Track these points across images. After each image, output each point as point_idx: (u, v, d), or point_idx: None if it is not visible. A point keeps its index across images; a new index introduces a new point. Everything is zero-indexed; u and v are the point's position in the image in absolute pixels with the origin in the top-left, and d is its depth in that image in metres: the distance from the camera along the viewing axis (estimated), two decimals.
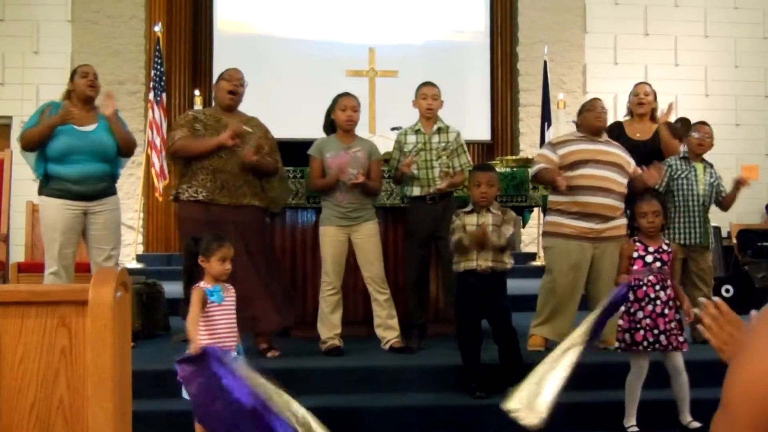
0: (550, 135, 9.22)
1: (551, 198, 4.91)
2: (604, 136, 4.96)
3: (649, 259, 3.86)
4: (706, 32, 10.68)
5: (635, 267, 3.86)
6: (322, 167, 4.77)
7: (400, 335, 4.81)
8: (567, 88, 10.21)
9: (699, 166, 5.12)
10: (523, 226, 5.93)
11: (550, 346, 4.87)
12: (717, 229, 8.12)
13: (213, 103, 5.03)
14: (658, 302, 3.79)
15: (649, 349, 3.79)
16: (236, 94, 4.69)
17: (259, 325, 4.51)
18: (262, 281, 4.52)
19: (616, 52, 10.56)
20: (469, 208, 4.33)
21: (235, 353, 3.36)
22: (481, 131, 10.57)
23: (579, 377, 4.37)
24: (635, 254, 3.88)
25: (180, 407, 3.44)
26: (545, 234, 4.96)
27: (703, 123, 5.28)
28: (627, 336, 3.80)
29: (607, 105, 8.76)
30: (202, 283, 3.37)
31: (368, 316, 4.95)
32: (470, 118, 10.10)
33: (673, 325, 3.79)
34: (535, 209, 6.42)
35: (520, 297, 5.18)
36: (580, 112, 5.02)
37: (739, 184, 5.07)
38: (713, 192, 5.12)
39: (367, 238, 4.76)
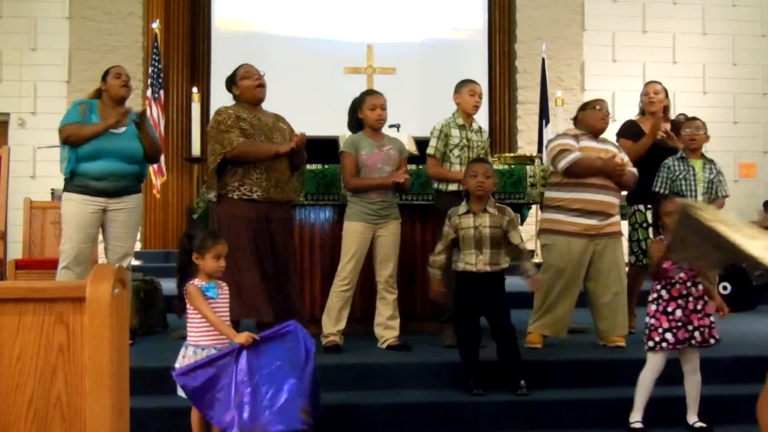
0: (548, 132, 9.22)
1: (550, 195, 4.90)
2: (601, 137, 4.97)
3: None
4: (704, 30, 10.69)
5: (664, 266, 3.84)
6: (356, 164, 4.75)
7: (399, 334, 4.81)
8: (565, 85, 10.21)
9: (697, 163, 5.10)
10: (521, 224, 5.95)
11: (548, 342, 4.89)
12: None
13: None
14: (690, 299, 3.79)
15: (685, 345, 3.79)
16: (263, 85, 4.70)
17: (297, 316, 4.53)
18: (294, 276, 4.67)
19: (615, 49, 10.56)
20: (464, 209, 4.30)
21: (228, 347, 3.36)
22: None
23: (577, 374, 4.40)
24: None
25: (177, 404, 3.44)
26: (543, 231, 4.94)
27: (693, 118, 5.28)
28: (669, 335, 3.77)
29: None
30: (195, 281, 3.37)
31: (368, 314, 4.95)
32: None
33: (709, 319, 3.80)
34: (533, 206, 6.42)
35: (518, 294, 5.17)
36: (583, 109, 5.00)
37: None
38: (713, 189, 5.11)
39: (391, 236, 4.77)
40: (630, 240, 5.33)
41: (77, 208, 4.68)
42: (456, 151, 4.91)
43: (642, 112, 5.58)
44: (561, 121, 8.78)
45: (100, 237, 4.88)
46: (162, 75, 9.05)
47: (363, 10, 10.55)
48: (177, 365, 3.31)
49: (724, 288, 7.03)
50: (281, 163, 4.58)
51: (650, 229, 5.18)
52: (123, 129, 4.76)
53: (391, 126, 6.39)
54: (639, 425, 3.84)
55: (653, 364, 3.85)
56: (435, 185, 5.00)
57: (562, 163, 4.74)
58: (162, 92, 8.98)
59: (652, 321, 3.83)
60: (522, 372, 4.15)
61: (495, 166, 5.18)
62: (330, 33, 10.43)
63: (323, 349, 4.64)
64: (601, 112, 4.90)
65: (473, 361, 4.18)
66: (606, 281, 4.80)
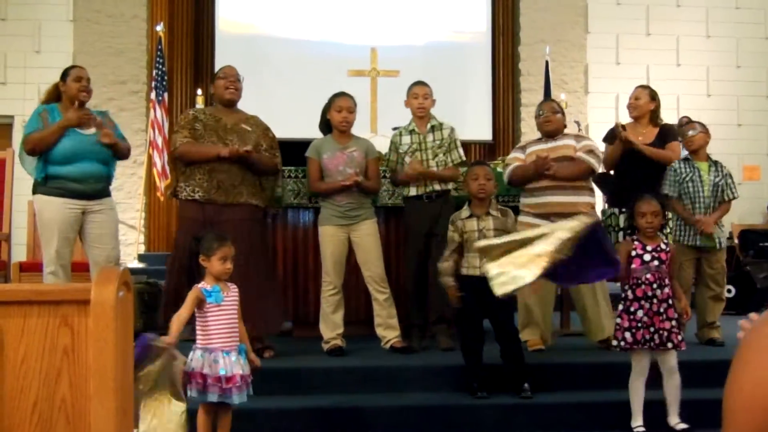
0: None
1: (521, 201, 4.92)
2: (566, 134, 4.96)
3: (647, 257, 3.87)
4: (708, 32, 10.67)
5: (633, 266, 3.87)
6: (320, 168, 4.77)
7: (401, 335, 4.81)
8: (569, 88, 10.20)
9: (703, 165, 5.10)
10: None
11: (552, 346, 4.88)
12: None
13: (211, 103, 5.03)
14: (655, 300, 3.80)
15: (645, 347, 3.79)
16: (236, 88, 4.68)
17: (255, 328, 4.49)
18: (257, 282, 4.46)
19: (618, 52, 10.54)
20: (467, 213, 4.31)
21: (236, 353, 3.36)
22: (483, 131, 10.55)
23: (581, 377, 4.39)
24: (633, 253, 3.89)
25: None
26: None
27: (690, 121, 5.28)
28: (627, 335, 3.80)
29: (609, 104, 8.77)
30: (201, 284, 3.37)
31: (369, 316, 4.95)
32: (472, 118, 10.09)
33: (671, 323, 3.79)
34: None
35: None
36: (536, 117, 5.04)
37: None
38: (719, 191, 5.10)
39: (367, 236, 4.76)
40: None
41: (57, 211, 4.61)
42: (407, 158, 4.94)
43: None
44: (566, 124, 8.76)
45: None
46: (166, 77, 9.06)
47: (366, 13, 10.55)
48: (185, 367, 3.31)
49: (729, 291, 7.00)
50: (228, 166, 4.50)
51: (620, 234, 5.12)
52: (93, 130, 4.71)
53: (395, 128, 6.39)
54: (641, 429, 3.83)
55: (636, 367, 3.87)
56: (401, 191, 5.08)
57: (505, 178, 4.91)
58: (166, 95, 8.98)
59: (618, 320, 3.87)
60: (526, 375, 4.15)
61: (498, 169, 5.19)
62: (333, 35, 10.43)
63: (326, 353, 4.64)
64: (542, 117, 4.92)
65: (477, 363, 4.18)
66: (582, 285, 4.78)
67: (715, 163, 5.16)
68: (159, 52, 9.02)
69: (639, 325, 3.78)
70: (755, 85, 10.66)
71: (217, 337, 3.32)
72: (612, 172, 5.34)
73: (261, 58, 9.94)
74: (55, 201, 4.62)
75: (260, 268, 4.57)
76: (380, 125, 8.01)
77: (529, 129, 10.36)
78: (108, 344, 2.05)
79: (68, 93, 4.75)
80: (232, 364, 3.29)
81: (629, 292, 3.86)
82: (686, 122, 5.48)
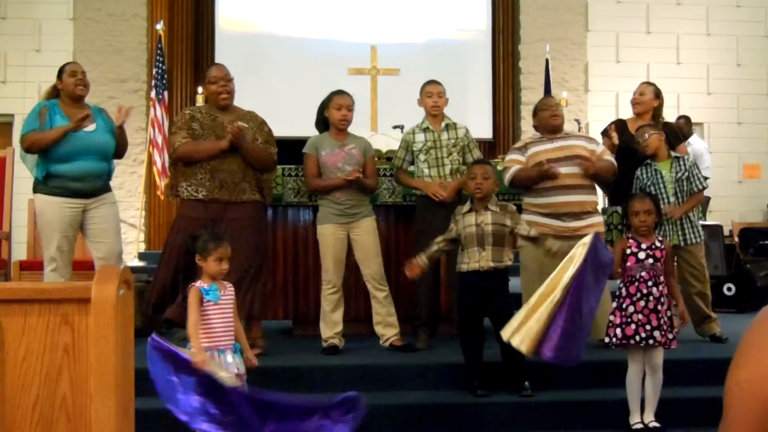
0: None
1: (526, 200, 4.87)
2: (565, 132, 4.93)
3: (641, 255, 3.87)
4: (708, 30, 10.66)
5: (628, 264, 3.89)
6: (317, 165, 4.77)
7: (400, 333, 4.81)
8: (569, 86, 10.19)
9: (665, 165, 5.02)
10: None
11: None
12: (719, 228, 8.11)
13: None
14: (651, 298, 3.80)
15: (641, 345, 3.80)
16: (228, 92, 4.68)
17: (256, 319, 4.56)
18: (255, 277, 4.51)
19: (618, 50, 10.53)
20: (467, 208, 4.33)
21: (232, 352, 3.36)
22: (483, 129, 10.54)
23: (581, 375, 4.39)
24: (628, 251, 3.90)
25: None
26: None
27: (643, 125, 5.21)
28: (618, 331, 3.81)
29: (609, 103, 8.78)
30: (198, 282, 3.37)
31: (369, 314, 4.95)
32: (472, 116, 10.06)
33: (664, 321, 3.79)
34: None
35: (520, 294, 5.15)
36: (535, 113, 5.00)
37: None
38: (684, 187, 5.03)
39: (366, 234, 4.76)
40: (605, 240, 5.30)
41: (56, 211, 4.63)
42: (422, 156, 4.94)
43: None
44: (565, 122, 8.76)
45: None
46: (166, 76, 9.05)
47: (367, 11, 10.54)
48: None
49: (729, 289, 7.01)
50: (230, 164, 4.52)
51: (623, 233, 5.15)
52: (93, 126, 4.73)
53: (395, 127, 6.39)
54: (640, 425, 3.84)
55: (633, 365, 3.89)
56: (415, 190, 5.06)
57: (505, 180, 4.84)
58: (166, 93, 8.97)
59: (611, 317, 3.89)
60: (526, 373, 4.15)
61: (498, 167, 5.18)
62: (333, 34, 10.42)
63: (321, 351, 4.65)
64: (550, 109, 4.89)
65: (477, 362, 4.18)
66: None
67: (677, 158, 5.09)
68: (159, 51, 9.01)
69: (630, 321, 3.79)
70: (755, 83, 10.65)
71: (214, 335, 3.32)
72: None
73: (261, 57, 9.93)
74: (55, 200, 4.64)
75: (259, 263, 4.58)
76: (380, 124, 8.00)
77: (529, 127, 10.34)
78: (108, 342, 2.05)
79: (66, 89, 4.77)
80: (228, 364, 3.29)
81: (623, 290, 3.88)
82: (684, 122, 5.45)
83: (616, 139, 5.24)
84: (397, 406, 4.04)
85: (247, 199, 4.57)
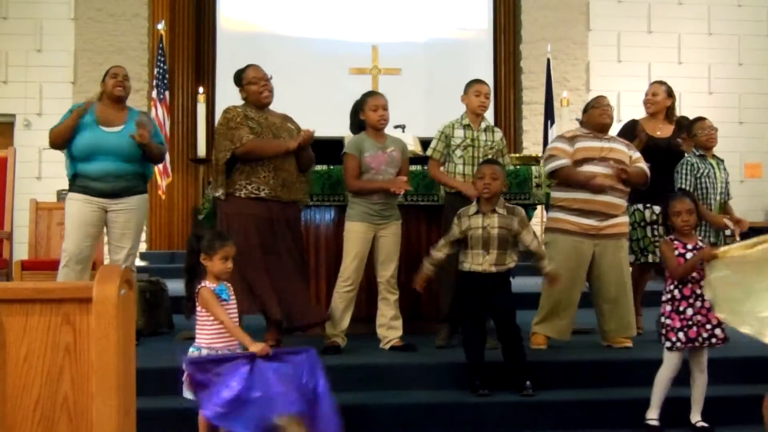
0: (554, 133, 9.20)
1: (554, 195, 4.90)
2: (609, 133, 4.96)
3: (689, 256, 3.84)
4: (709, 30, 10.66)
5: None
6: (359, 166, 4.76)
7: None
8: (570, 85, 10.19)
9: (714, 163, 5.11)
10: None
11: (553, 343, 4.88)
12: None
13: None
14: (703, 298, 3.79)
15: (705, 345, 3.80)
16: (269, 91, 4.74)
17: (297, 320, 4.57)
18: (302, 277, 4.68)
19: (620, 49, 10.53)
20: (474, 210, 4.31)
21: (237, 351, 3.36)
22: None
23: (583, 375, 4.39)
24: (676, 252, 3.87)
25: (184, 405, 3.44)
26: (547, 230, 4.98)
27: (702, 118, 5.27)
28: (681, 335, 3.77)
29: (611, 102, 8.71)
30: (206, 283, 3.36)
31: (371, 314, 4.94)
32: None
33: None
34: (538, 207, 6.41)
35: (524, 294, 5.16)
36: (586, 110, 5.01)
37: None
38: (726, 189, 5.13)
39: (392, 236, 4.77)
40: (630, 239, 5.31)
41: (78, 207, 4.72)
42: (458, 152, 4.91)
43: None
44: (566, 121, 8.75)
45: (105, 238, 4.89)
46: (167, 76, 9.06)
47: (368, 11, 10.55)
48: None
49: None
50: (289, 163, 4.61)
51: (648, 228, 5.24)
52: (119, 128, 4.77)
53: (396, 126, 6.37)
54: (655, 422, 3.83)
55: (671, 364, 3.85)
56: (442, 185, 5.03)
57: (547, 168, 4.86)
58: (167, 93, 8.98)
59: (668, 321, 3.83)
60: (528, 373, 4.15)
61: (510, 167, 5.19)
62: (335, 33, 10.42)
63: (323, 349, 4.64)
64: (602, 107, 4.90)
65: (479, 361, 4.18)
66: (608, 282, 4.79)
67: (722, 160, 5.18)
68: (160, 51, 9.01)
69: (691, 323, 3.77)
70: (757, 83, 10.65)
71: (223, 336, 3.32)
72: None
73: (262, 56, 9.84)
74: (79, 198, 4.73)
75: (304, 263, 4.75)
76: None
77: (530, 127, 10.36)
78: (110, 342, 2.05)
79: (106, 90, 4.90)
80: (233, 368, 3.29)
81: (676, 292, 3.83)
82: (687, 123, 5.46)
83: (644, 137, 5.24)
84: (399, 406, 4.04)
85: (299, 199, 4.73)
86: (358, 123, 4.91)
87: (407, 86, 9.34)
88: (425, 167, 5.29)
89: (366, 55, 8.38)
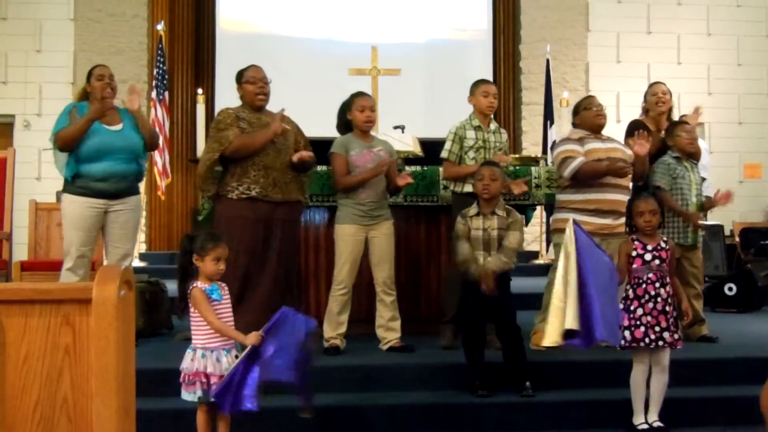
0: (553, 133, 9.21)
1: (563, 197, 4.85)
2: (609, 137, 4.95)
3: (648, 257, 3.86)
4: (708, 30, 10.66)
5: (635, 265, 3.86)
6: (347, 164, 4.75)
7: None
8: (570, 86, 10.19)
9: (688, 166, 5.11)
10: (526, 225, 5.91)
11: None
12: (720, 228, 8.11)
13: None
14: (659, 299, 3.79)
15: (651, 347, 3.78)
16: (265, 94, 4.70)
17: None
18: (285, 284, 4.59)
19: (619, 50, 10.54)
20: (474, 211, 4.32)
21: (235, 351, 3.36)
22: None
23: (583, 375, 4.39)
24: (634, 253, 3.88)
25: (183, 406, 3.44)
26: (556, 231, 4.86)
27: (685, 122, 5.29)
28: (627, 333, 3.79)
29: (610, 103, 8.75)
30: (198, 283, 3.36)
31: (370, 315, 4.93)
32: None
33: (671, 321, 3.79)
34: (538, 207, 6.41)
35: (523, 295, 5.16)
36: (577, 111, 4.99)
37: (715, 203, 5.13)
38: (701, 191, 5.14)
39: (384, 236, 4.75)
40: None
41: (79, 210, 4.69)
42: (471, 153, 4.91)
43: (645, 112, 5.58)
44: (566, 122, 8.76)
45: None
46: (167, 77, 9.06)
47: (367, 12, 10.55)
48: (183, 367, 3.31)
49: (730, 289, 7.00)
50: (281, 162, 4.57)
51: None
52: (120, 126, 4.77)
53: (395, 127, 6.38)
54: (645, 426, 3.83)
55: (638, 365, 3.87)
56: (451, 186, 5.02)
57: (567, 171, 4.73)
58: (167, 94, 8.98)
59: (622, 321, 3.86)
60: (527, 373, 4.15)
61: (511, 168, 5.19)
62: (334, 34, 10.42)
63: (323, 351, 4.64)
64: (594, 108, 4.88)
65: (479, 361, 4.18)
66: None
67: (696, 164, 5.20)
68: (160, 51, 9.02)
69: (639, 323, 3.78)
70: (756, 83, 10.65)
71: (218, 335, 3.32)
72: None
73: (261, 57, 9.80)
74: (79, 200, 4.69)
75: (291, 270, 4.68)
76: (381, 124, 7.99)
77: (530, 128, 10.37)
78: (109, 343, 2.05)
79: (93, 92, 4.84)
80: (234, 362, 3.29)
81: (630, 291, 3.85)
82: (668, 125, 5.49)
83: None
84: (397, 407, 4.04)
85: (293, 198, 4.65)
86: (345, 123, 4.92)
87: (406, 87, 9.34)
88: (425, 168, 5.29)
89: (365, 56, 8.38)
